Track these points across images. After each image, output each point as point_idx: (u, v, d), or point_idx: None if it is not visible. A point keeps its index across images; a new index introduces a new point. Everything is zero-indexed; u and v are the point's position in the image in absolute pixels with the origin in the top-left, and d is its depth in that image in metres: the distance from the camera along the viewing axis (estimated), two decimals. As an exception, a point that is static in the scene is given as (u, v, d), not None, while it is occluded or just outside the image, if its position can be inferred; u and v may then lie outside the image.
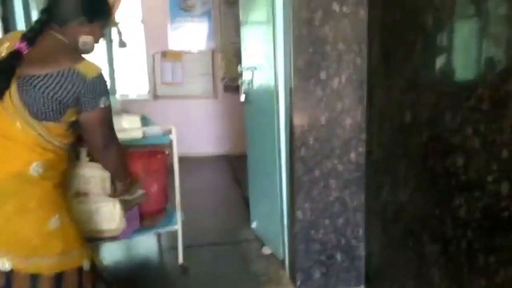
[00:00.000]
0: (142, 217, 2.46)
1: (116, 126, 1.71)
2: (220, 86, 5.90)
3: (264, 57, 2.49)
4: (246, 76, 2.88)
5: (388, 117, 1.95)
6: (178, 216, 2.48)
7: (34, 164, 1.40)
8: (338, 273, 2.30)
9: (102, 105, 1.47)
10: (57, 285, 1.43)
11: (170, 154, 2.53)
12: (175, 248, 2.61)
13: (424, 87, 1.63)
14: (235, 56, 5.74)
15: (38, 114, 1.38)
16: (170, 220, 2.53)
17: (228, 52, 5.80)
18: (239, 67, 2.95)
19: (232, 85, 5.81)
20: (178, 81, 5.81)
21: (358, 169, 2.20)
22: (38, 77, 1.37)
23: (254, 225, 3.09)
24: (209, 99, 5.90)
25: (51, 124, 1.41)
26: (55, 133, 1.43)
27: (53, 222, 1.43)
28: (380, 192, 2.06)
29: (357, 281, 2.31)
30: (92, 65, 1.46)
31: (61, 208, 1.49)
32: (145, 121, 2.71)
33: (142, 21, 5.72)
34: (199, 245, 2.94)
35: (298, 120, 2.13)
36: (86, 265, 1.52)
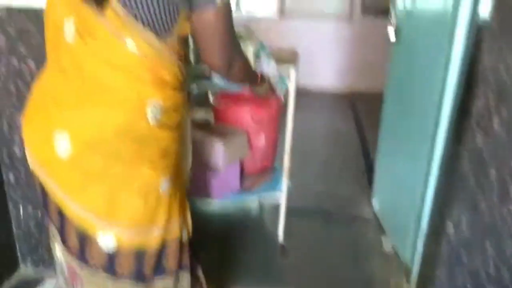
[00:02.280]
0: (243, 177, 2.04)
1: None
2: (358, 5, 4.96)
3: None
4: (401, 3, 2.08)
5: None
6: (284, 185, 1.99)
7: (152, 106, 1.02)
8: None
9: (220, 2, 1.02)
10: (159, 260, 1.19)
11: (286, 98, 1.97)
12: (276, 214, 2.15)
13: None
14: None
15: (153, 24, 0.98)
16: (275, 184, 2.06)
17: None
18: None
19: (374, 5, 4.84)
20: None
21: None
22: None
23: (375, 202, 2.48)
24: (343, 21, 5.04)
25: (167, 40, 1.02)
26: (175, 52, 1.05)
27: (163, 185, 1.12)
28: None
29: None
30: None
31: (173, 166, 1.15)
32: (262, 52, 2.16)
33: None
34: (304, 214, 2.46)
35: (488, 74, 1.35)
36: (184, 235, 1.24)
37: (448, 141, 1.64)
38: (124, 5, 0.94)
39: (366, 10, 4.93)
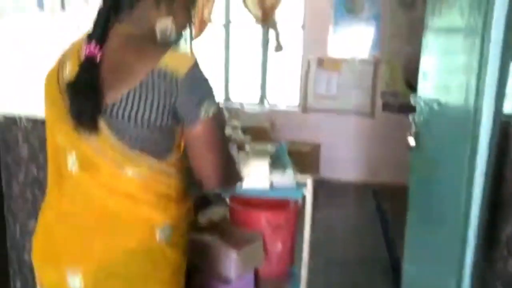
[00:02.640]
0: (258, 283, 1.93)
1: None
2: (379, 102, 5.07)
3: (460, 84, 1.66)
4: (420, 111, 2.09)
5: None
6: (302, 298, 1.87)
7: (161, 228, 1.02)
8: None
9: (205, 114, 1.00)
10: None
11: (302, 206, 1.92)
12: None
13: None
14: (402, 68, 4.86)
15: (150, 151, 0.99)
16: (292, 293, 1.94)
17: (393, 62, 4.94)
18: (411, 96, 2.18)
19: (393, 103, 4.94)
20: (332, 94, 5.17)
21: None
22: (119, 104, 0.96)
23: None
24: (364, 117, 5.12)
25: (167, 159, 1.03)
26: (175, 166, 1.06)
27: None
28: None
29: None
30: (179, 54, 1.01)
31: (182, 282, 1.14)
32: (279, 160, 2.16)
33: (302, 26, 5.23)
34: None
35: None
36: None
37: (476, 263, 1.52)
38: (120, 137, 0.96)
39: (386, 106, 5.02)
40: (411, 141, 2.10)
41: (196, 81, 0.99)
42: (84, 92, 0.94)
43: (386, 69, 5.01)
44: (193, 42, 4.95)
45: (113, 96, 0.96)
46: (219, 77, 5.59)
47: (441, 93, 1.89)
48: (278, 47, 5.17)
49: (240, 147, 2.06)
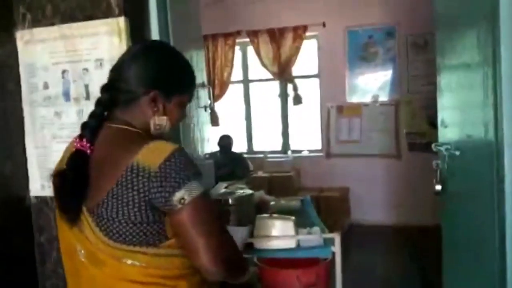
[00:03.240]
0: None
1: (264, 232, 1.57)
2: (403, 143, 5.03)
3: (477, 119, 1.66)
4: (443, 157, 2.06)
5: None
6: None
7: None
8: None
9: (181, 201, 0.95)
10: None
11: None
12: None
13: None
14: (423, 108, 4.85)
15: (144, 242, 0.99)
16: None
17: (414, 104, 4.95)
18: (433, 145, 2.16)
19: (418, 142, 4.89)
20: (355, 139, 5.16)
21: None
22: (102, 204, 0.98)
23: None
24: (391, 158, 5.07)
25: (166, 243, 1.02)
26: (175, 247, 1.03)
27: None
28: None
29: None
30: (156, 147, 1.00)
31: None
32: (305, 214, 2.16)
33: (318, 75, 5.35)
34: None
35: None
36: None
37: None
38: (110, 236, 0.98)
39: (412, 146, 4.96)
40: (438, 188, 2.07)
41: (170, 171, 0.96)
42: (68, 184, 0.98)
43: (407, 111, 5.00)
44: (215, 103, 5.14)
45: (99, 195, 0.98)
46: (241, 131, 5.71)
47: (461, 133, 1.88)
48: (297, 100, 5.27)
49: (264, 208, 2.07)
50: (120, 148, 1.02)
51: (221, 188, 2.25)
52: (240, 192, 2.08)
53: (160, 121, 1.09)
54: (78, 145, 1.03)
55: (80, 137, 1.06)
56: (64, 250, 1.10)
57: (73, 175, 0.99)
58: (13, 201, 1.54)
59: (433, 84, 2.58)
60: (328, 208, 4.47)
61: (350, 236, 4.60)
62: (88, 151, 1.02)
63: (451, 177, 2.00)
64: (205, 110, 2.27)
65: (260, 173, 5.02)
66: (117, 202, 0.96)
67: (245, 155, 5.22)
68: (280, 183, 4.80)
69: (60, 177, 1.01)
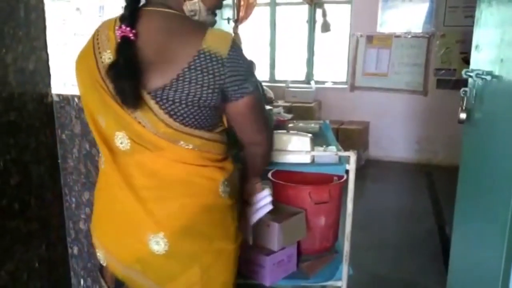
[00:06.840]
0: (300, 258, 1.95)
1: (281, 147, 1.66)
2: (432, 79, 4.85)
3: None
4: (472, 84, 1.98)
5: None
6: (344, 272, 1.86)
7: (222, 185, 1.14)
8: None
9: (251, 88, 1.08)
10: None
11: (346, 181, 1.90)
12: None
13: None
14: (458, 43, 4.61)
15: (201, 126, 1.07)
16: (334, 270, 1.93)
17: (449, 38, 4.69)
18: (463, 71, 2.06)
19: (449, 79, 4.71)
20: (383, 72, 5.00)
21: None
22: (170, 87, 1.01)
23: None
24: (417, 94, 4.92)
25: (217, 128, 1.14)
26: (222, 133, 1.16)
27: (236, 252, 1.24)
28: None
29: None
30: (217, 33, 1.05)
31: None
32: (323, 137, 2.15)
33: (350, 1, 5.08)
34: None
35: None
36: None
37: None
38: (173, 117, 1.02)
39: (441, 83, 4.79)
40: (462, 116, 2.00)
41: (239, 59, 1.04)
42: (124, 73, 0.98)
43: (441, 44, 4.76)
44: (239, 25, 4.98)
45: (161, 79, 1.00)
46: (264, 57, 5.58)
47: (495, 65, 1.78)
48: (325, 27, 5.05)
49: (282, 126, 2.06)
50: (181, 34, 1.04)
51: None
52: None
53: (191, 6, 1.09)
54: (120, 33, 1.02)
55: (120, 21, 1.04)
56: (99, 138, 1.10)
57: (126, 62, 0.99)
58: (37, 97, 1.57)
59: (471, 17, 2.42)
60: (346, 141, 4.45)
61: (366, 170, 4.63)
62: (131, 35, 1.01)
63: (479, 104, 1.93)
64: (228, 23, 2.19)
65: (281, 102, 4.98)
66: (189, 84, 1.00)
67: (267, 84, 5.14)
68: (300, 114, 4.75)
69: (114, 68, 1.00)
